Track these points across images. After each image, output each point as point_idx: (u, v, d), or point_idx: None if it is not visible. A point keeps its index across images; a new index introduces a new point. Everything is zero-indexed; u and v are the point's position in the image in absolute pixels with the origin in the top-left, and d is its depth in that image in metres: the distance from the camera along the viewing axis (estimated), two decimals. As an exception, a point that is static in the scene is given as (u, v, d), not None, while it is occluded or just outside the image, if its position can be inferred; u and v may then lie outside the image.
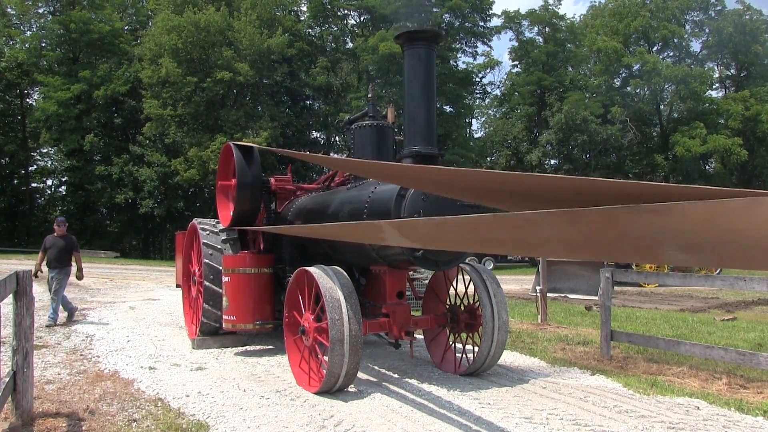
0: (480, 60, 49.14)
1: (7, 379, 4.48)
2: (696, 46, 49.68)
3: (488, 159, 46.65)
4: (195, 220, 8.64)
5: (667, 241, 2.10)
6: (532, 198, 2.73)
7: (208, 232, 8.19)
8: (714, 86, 49.89)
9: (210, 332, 7.99)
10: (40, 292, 14.89)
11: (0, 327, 4.94)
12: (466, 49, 45.99)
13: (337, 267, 5.90)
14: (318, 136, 44.76)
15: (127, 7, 44.44)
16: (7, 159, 40.92)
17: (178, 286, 10.46)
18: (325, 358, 5.47)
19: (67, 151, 38.16)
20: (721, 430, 4.76)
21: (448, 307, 6.88)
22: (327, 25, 44.11)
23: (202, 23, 34.01)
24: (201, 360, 7.20)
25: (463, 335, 6.72)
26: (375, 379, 6.33)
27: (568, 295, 15.38)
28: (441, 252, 5.58)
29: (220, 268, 7.62)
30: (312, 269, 5.78)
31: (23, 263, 24.18)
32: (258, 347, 8.06)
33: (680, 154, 41.14)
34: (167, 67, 33.60)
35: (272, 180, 8.44)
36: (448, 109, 41.76)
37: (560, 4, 56.40)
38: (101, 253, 35.74)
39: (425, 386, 6.00)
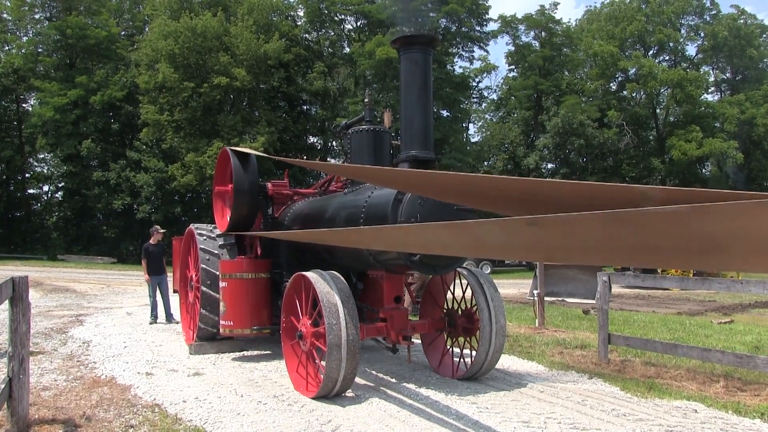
0: (477, 64, 49.35)
1: (3, 386, 4.45)
2: (691, 50, 50.03)
3: (485, 163, 46.69)
4: (192, 226, 8.62)
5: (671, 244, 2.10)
6: (529, 202, 2.74)
7: (205, 237, 8.18)
8: (710, 90, 50.20)
9: (207, 338, 7.97)
10: (36, 297, 14.84)
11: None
12: (463, 53, 46.11)
13: (334, 272, 5.90)
14: (315, 141, 44.79)
15: (124, 13, 44.43)
16: (3, 165, 40.81)
17: (175, 291, 10.45)
18: (323, 363, 5.46)
19: (64, 157, 38.08)
20: (718, 433, 4.77)
21: (445, 311, 6.88)
22: (324, 30, 44.17)
23: (199, 28, 34.02)
24: (198, 365, 7.17)
25: (461, 339, 6.71)
26: (372, 384, 6.32)
27: (565, 299, 15.38)
28: (438, 256, 5.58)
29: (217, 273, 7.61)
30: (309, 274, 5.77)
31: (19, 269, 24.12)
32: (255, 352, 8.05)
33: (676, 157, 41.28)
34: (164, 72, 33.59)
35: (269, 185, 8.44)
36: (444, 113, 41.82)
37: (556, 9, 56.69)
38: (98, 258, 35.70)
39: (423, 391, 6.00)
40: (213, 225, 8.68)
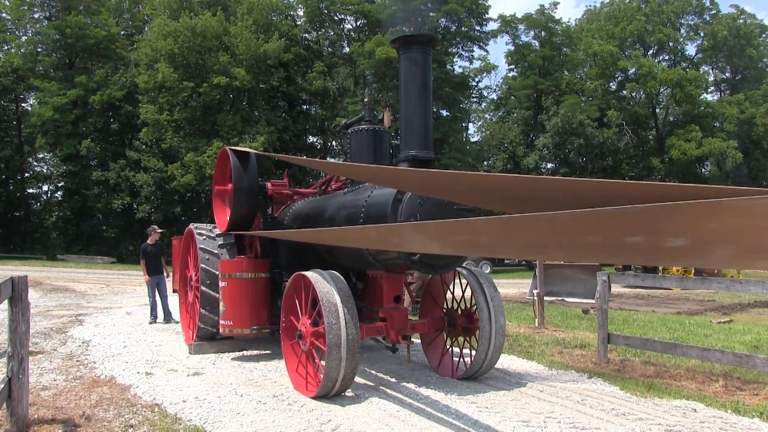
0: (476, 64, 49.30)
1: (2, 386, 4.45)
2: (691, 49, 50.06)
3: (485, 163, 46.67)
4: (191, 225, 8.62)
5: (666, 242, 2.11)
6: (529, 200, 2.74)
7: (204, 237, 8.17)
8: (709, 90, 50.24)
9: (207, 337, 7.97)
10: (36, 297, 14.84)
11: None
12: (463, 53, 46.07)
13: (334, 271, 5.90)
14: (315, 140, 44.79)
15: (123, 12, 44.41)
16: (2, 165, 40.79)
17: (175, 291, 10.45)
18: (322, 362, 5.46)
19: (63, 157, 38.07)
20: (718, 432, 4.77)
21: (445, 311, 6.88)
22: (323, 30, 44.15)
23: (199, 28, 34.00)
24: (198, 365, 7.17)
25: (461, 339, 6.72)
26: (372, 384, 6.31)
27: (565, 299, 15.39)
28: (438, 256, 5.58)
29: (217, 273, 7.60)
30: (309, 274, 5.77)
31: (19, 269, 24.11)
32: (255, 352, 8.04)
33: (676, 157, 41.29)
34: (163, 72, 33.59)
35: (269, 184, 8.44)
36: (444, 113, 41.80)
37: (556, 9, 56.65)
38: (98, 258, 35.70)
39: (422, 390, 6.00)
40: (213, 225, 8.67)
